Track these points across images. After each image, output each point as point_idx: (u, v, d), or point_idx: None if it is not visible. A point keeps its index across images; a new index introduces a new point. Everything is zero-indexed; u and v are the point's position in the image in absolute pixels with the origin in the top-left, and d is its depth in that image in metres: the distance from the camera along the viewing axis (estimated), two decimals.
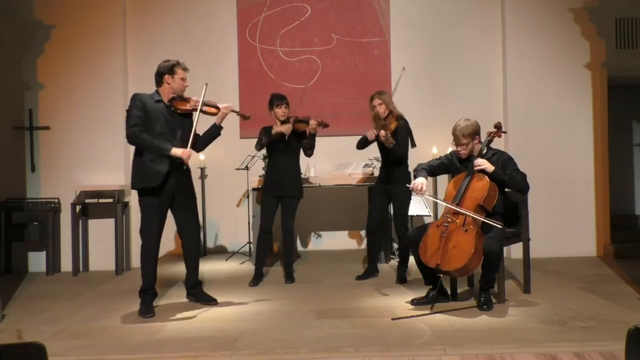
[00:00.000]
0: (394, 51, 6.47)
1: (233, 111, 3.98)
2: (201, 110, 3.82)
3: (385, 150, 4.66)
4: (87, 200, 5.70)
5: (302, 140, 4.71)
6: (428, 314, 3.57)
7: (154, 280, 3.86)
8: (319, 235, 6.51)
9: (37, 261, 5.84)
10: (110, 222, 5.72)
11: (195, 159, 4.42)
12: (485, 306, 3.65)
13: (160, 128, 3.73)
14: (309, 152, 4.74)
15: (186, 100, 3.85)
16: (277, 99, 4.68)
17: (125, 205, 5.78)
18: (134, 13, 6.29)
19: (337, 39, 6.51)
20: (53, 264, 5.67)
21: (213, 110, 3.89)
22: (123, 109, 5.96)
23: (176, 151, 3.69)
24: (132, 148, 3.87)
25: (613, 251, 5.88)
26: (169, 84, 3.79)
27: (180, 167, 3.80)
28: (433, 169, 4.02)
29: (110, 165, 5.83)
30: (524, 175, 3.79)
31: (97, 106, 5.89)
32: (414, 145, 4.73)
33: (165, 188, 3.75)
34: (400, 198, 4.67)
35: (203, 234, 6.25)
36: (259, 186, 5.49)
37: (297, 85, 6.45)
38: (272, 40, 6.51)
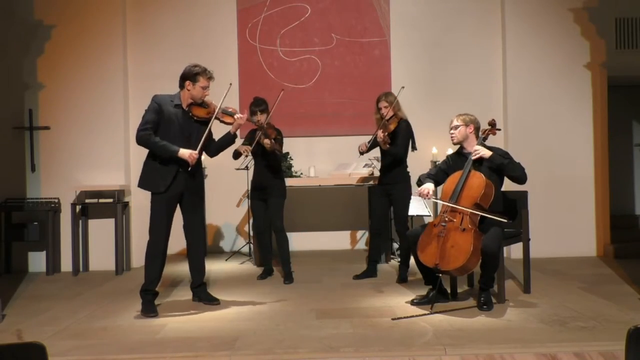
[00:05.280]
0: (394, 51, 6.48)
1: (249, 120, 4.05)
2: (217, 118, 3.87)
3: (384, 152, 4.68)
4: (87, 200, 5.70)
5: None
6: (428, 314, 3.57)
7: (158, 279, 3.84)
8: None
9: (37, 261, 5.84)
10: (110, 222, 5.72)
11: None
12: (485, 306, 3.65)
13: (173, 132, 3.75)
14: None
15: (205, 106, 3.85)
16: (253, 105, 4.65)
17: (125, 205, 5.78)
18: (134, 13, 6.29)
19: (337, 39, 6.51)
20: (53, 264, 5.67)
21: (229, 119, 3.91)
22: (123, 109, 6.03)
23: (184, 152, 3.70)
24: (140, 148, 3.87)
25: (613, 251, 5.87)
26: (188, 90, 3.78)
27: (191, 169, 3.79)
28: (435, 177, 4.02)
29: (110, 165, 5.83)
30: (522, 165, 3.80)
31: (97, 106, 5.88)
32: (414, 148, 4.73)
33: (173, 188, 3.76)
34: (399, 198, 4.68)
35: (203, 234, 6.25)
36: None
37: (297, 85, 6.45)
38: (272, 40, 6.51)
